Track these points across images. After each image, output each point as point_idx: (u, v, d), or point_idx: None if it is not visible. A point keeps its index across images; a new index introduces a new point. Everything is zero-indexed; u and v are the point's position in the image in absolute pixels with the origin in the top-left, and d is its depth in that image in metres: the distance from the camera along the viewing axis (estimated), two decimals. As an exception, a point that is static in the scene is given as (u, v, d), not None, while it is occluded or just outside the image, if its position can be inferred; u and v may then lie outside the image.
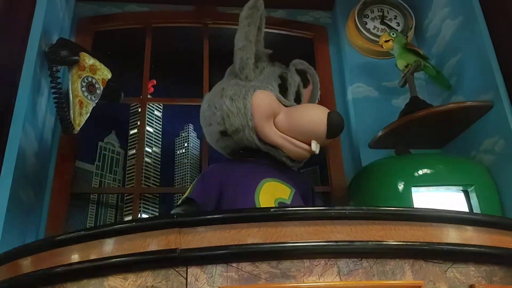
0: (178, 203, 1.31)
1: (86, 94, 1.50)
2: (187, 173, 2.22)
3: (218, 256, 0.74)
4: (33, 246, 0.87)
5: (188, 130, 2.36)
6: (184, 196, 1.28)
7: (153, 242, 0.77)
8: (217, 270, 0.73)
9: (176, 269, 0.74)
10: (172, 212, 1.30)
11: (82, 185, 2.00)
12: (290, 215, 0.79)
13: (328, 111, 1.30)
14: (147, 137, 2.15)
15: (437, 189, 1.51)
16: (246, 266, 0.73)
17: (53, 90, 1.48)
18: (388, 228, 0.78)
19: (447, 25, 1.85)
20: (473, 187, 1.50)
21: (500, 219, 0.96)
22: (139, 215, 1.89)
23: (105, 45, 2.08)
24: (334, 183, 1.88)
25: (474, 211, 1.47)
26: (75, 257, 0.80)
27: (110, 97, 1.70)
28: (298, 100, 1.47)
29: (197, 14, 2.12)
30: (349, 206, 1.50)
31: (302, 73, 1.51)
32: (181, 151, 2.32)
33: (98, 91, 1.56)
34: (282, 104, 1.36)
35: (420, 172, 1.51)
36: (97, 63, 1.57)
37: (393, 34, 1.80)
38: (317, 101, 1.60)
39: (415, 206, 1.43)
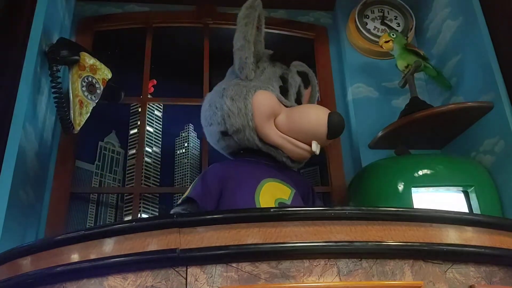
0: (178, 203, 1.31)
1: (86, 94, 1.51)
2: (187, 173, 2.22)
3: (218, 256, 0.74)
4: (33, 246, 0.87)
5: (188, 130, 2.36)
6: (185, 195, 1.28)
7: (153, 242, 0.77)
8: (217, 270, 0.73)
9: (176, 269, 0.74)
10: (172, 211, 1.30)
11: (82, 185, 2.00)
12: (290, 215, 0.79)
13: (329, 111, 1.30)
14: (147, 137, 2.15)
15: (437, 190, 1.51)
16: (246, 266, 0.73)
17: (53, 90, 1.48)
18: (388, 229, 0.78)
19: (448, 25, 1.85)
20: (473, 188, 1.50)
21: (500, 219, 0.96)
22: (139, 215, 1.89)
23: (105, 45, 2.09)
24: (334, 184, 1.88)
25: (474, 212, 1.46)
26: (75, 257, 0.80)
27: (110, 97, 1.70)
28: (298, 101, 1.47)
29: (197, 14, 2.12)
30: (349, 206, 1.50)
31: (303, 74, 1.51)
32: (181, 151, 2.32)
33: (98, 91, 1.56)
34: (283, 104, 1.36)
35: (420, 172, 1.51)
36: (97, 63, 1.57)
37: (393, 34, 1.80)
38: (316, 102, 1.61)
39: (415, 206, 1.43)
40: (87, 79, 1.51)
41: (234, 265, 0.73)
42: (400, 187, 1.48)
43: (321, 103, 1.97)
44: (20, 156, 1.36)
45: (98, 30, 2.04)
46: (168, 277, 0.74)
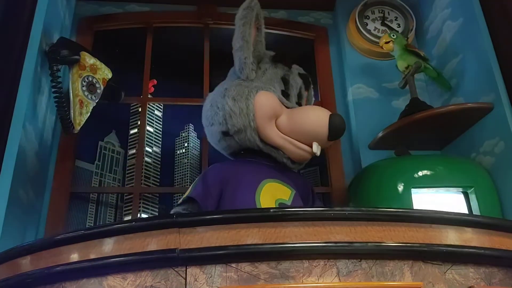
0: (178, 202, 1.32)
1: (86, 93, 1.51)
2: (187, 173, 2.22)
3: (217, 256, 0.74)
4: (33, 245, 0.87)
5: (188, 130, 2.36)
6: (185, 195, 1.28)
7: (153, 242, 0.77)
8: (217, 270, 0.73)
9: (176, 269, 0.74)
10: (172, 211, 1.30)
11: (82, 185, 2.01)
12: (290, 216, 0.79)
13: (330, 113, 1.31)
14: (147, 137, 2.15)
15: (437, 191, 1.51)
16: (246, 267, 0.73)
17: (53, 90, 1.48)
18: (388, 229, 0.78)
19: (448, 26, 1.85)
20: (472, 189, 1.50)
21: (500, 221, 0.96)
22: (138, 215, 1.89)
23: (106, 44, 2.09)
24: (334, 184, 1.88)
25: (473, 213, 1.47)
26: (75, 257, 0.80)
27: (111, 96, 1.70)
28: (299, 102, 1.47)
29: (198, 14, 2.12)
30: (348, 207, 1.51)
31: (304, 76, 1.52)
32: (181, 151, 2.32)
33: (98, 91, 1.56)
34: (284, 105, 1.37)
35: (420, 173, 1.51)
36: (98, 62, 1.57)
37: (393, 35, 1.80)
38: (312, 103, 1.61)
39: (414, 207, 1.43)
40: (87, 78, 1.51)
41: (233, 265, 0.73)
42: (400, 188, 1.48)
43: (321, 103, 1.97)
44: (20, 156, 1.36)
45: (99, 29, 2.04)
46: (168, 277, 0.74)
